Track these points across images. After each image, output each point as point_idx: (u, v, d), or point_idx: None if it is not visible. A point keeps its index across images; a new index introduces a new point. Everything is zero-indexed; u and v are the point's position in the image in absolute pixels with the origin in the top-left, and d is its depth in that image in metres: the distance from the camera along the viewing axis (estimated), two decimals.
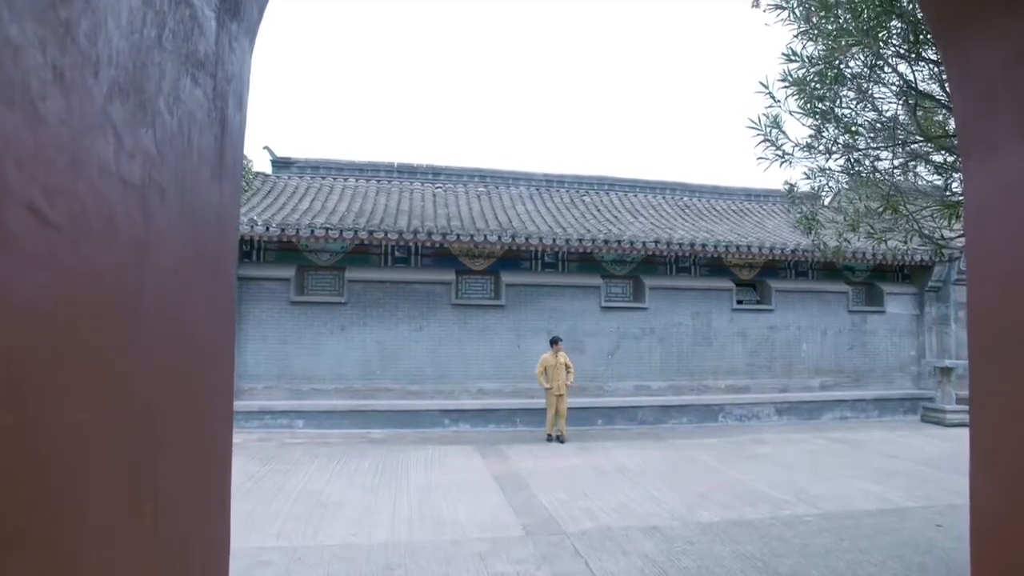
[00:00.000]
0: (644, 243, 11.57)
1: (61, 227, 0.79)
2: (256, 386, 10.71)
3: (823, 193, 4.13)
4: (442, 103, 51.12)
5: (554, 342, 10.38)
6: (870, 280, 13.72)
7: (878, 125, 3.69)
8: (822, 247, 5.16)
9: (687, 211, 14.78)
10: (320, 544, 5.19)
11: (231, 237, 1.48)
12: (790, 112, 3.61)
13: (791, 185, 4.71)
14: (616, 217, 13.44)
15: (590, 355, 11.82)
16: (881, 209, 3.89)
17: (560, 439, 10.21)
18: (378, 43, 58.65)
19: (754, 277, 13.18)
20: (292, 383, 10.87)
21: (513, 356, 11.56)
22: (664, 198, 15.36)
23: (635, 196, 15.15)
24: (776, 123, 3.74)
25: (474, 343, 11.48)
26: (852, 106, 3.72)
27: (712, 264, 12.88)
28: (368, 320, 11.18)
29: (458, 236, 10.84)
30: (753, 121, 3.78)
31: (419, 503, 6.50)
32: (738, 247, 12.01)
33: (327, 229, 10.45)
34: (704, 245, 11.83)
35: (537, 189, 14.69)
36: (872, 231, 4.06)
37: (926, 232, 3.85)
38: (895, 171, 3.83)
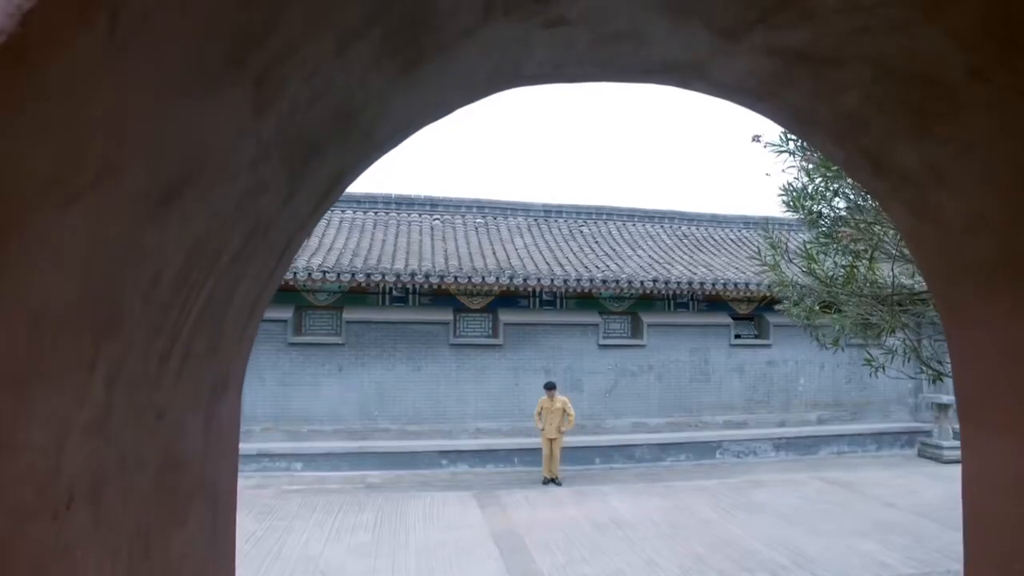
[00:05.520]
0: (642, 282, 11.59)
1: None
2: (254, 428, 10.68)
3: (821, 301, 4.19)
4: (440, 132, 50.96)
5: (548, 387, 10.36)
6: None
7: (872, 237, 3.72)
8: (819, 338, 5.20)
9: (685, 241, 14.80)
10: None
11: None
12: (789, 259, 3.66)
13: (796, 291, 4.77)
14: (615, 250, 13.45)
15: (588, 393, 11.82)
16: (881, 330, 3.93)
17: (556, 482, 10.22)
18: None
19: (752, 311, 13.20)
20: (290, 425, 10.86)
21: (511, 395, 11.56)
22: (662, 228, 15.38)
23: (633, 226, 15.16)
24: (779, 261, 3.79)
25: (472, 383, 11.48)
26: (848, 218, 3.76)
27: (710, 299, 12.89)
28: (366, 360, 11.18)
29: (455, 278, 10.85)
30: (757, 254, 3.84)
31: (416, 571, 6.50)
32: (736, 284, 12.02)
33: (324, 272, 10.45)
34: (702, 283, 11.85)
35: (536, 220, 14.70)
36: (871, 360, 4.14)
37: (924, 359, 3.93)
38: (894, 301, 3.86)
